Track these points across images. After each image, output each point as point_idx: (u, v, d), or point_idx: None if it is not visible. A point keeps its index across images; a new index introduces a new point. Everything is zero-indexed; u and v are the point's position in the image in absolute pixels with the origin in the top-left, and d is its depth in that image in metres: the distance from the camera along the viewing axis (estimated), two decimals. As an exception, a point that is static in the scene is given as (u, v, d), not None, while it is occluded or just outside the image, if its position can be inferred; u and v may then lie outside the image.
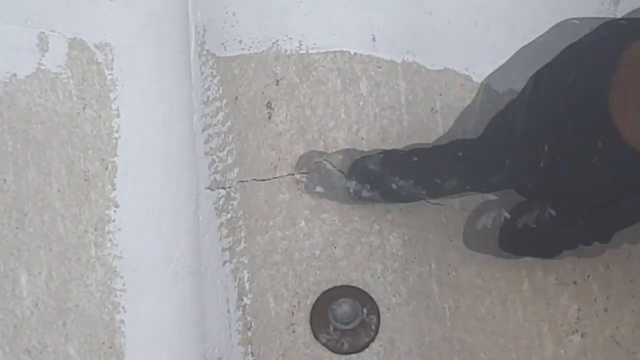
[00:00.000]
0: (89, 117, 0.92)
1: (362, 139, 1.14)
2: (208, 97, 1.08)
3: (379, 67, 1.14)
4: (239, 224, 1.13)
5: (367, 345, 1.15)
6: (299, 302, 1.15)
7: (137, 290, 0.94)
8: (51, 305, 0.91)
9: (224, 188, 1.10)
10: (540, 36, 1.05)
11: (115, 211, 0.93)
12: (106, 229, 0.92)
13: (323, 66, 1.14)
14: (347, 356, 1.15)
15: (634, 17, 1.00)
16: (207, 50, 1.08)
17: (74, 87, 0.92)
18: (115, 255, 0.92)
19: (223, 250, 1.10)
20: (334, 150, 1.14)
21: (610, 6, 1.09)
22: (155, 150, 0.96)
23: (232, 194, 1.12)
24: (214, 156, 1.09)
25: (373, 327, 1.15)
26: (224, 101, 1.11)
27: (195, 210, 1.02)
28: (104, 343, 0.92)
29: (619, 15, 1.09)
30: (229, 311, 1.11)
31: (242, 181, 1.13)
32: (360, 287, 1.15)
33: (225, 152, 1.11)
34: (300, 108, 1.14)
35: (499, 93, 1.06)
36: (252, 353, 1.14)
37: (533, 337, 1.13)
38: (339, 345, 1.15)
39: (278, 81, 1.14)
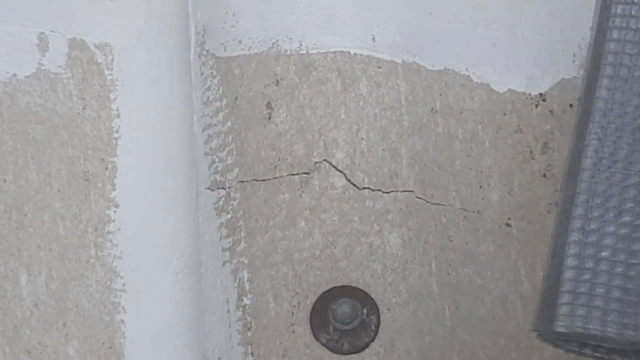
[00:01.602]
0: (89, 117, 0.92)
1: (362, 139, 1.14)
2: (208, 98, 1.08)
3: (379, 67, 1.14)
4: (239, 224, 1.13)
5: (367, 346, 1.15)
6: (299, 303, 1.15)
7: (137, 291, 0.94)
8: (51, 305, 0.91)
9: (224, 188, 1.10)
10: None
11: (115, 211, 0.92)
12: (106, 229, 0.92)
13: (323, 66, 1.14)
14: (347, 356, 1.15)
15: None
16: (207, 51, 1.08)
17: (74, 87, 0.92)
18: (115, 256, 0.92)
19: (223, 250, 1.10)
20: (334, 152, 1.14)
21: (610, 6, 1.09)
22: (155, 150, 0.96)
23: (232, 194, 1.12)
24: (214, 156, 1.09)
25: (373, 327, 1.15)
26: (224, 101, 1.11)
27: (195, 211, 1.02)
28: (103, 343, 0.92)
29: (619, 16, 1.09)
30: (228, 311, 1.11)
31: (242, 181, 1.13)
32: (360, 287, 1.15)
33: (225, 152, 1.11)
34: (300, 108, 1.14)
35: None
36: (252, 353, 1.14)
37: (533, 337, 1.13)
38: (339, 346, 1.15)
39: (278, 81, 1.14)
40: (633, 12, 0.86)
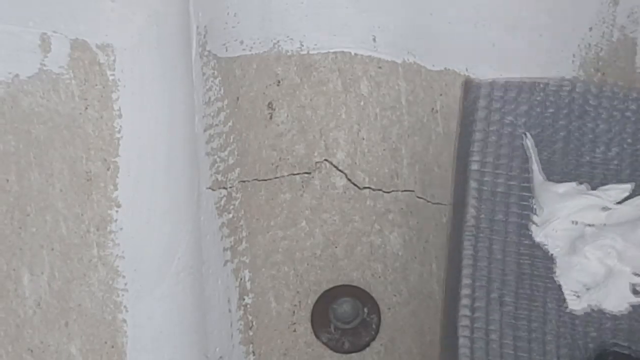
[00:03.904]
0: (91, 117, 0.92)
1: (363, 139, 1.15)
2: (209, 98, 1.08)
3: (380, 68, 1.14)
4: (240, 223, 1.14)
5: (368, 345, 1.15)
6: (300, 302, 1.16)
7: (139, 290, 0.94)
8: (53, 304, 0.91)
9: (225, 188, 1.11)
10: None
11: (117, 211, 0.93)
12: (108, 228, 0.92)
13: (324, 67, 1.14)
14: (348, 355, 1.16)
15: None
16: (209, 51, 1.08)
17: (76, 87, 0.92)
18: (117, 255, 0.93)
19: (224, 250, 1.11)
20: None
21: (610, 7, 1.09)
22: (157, 150, 0.97)
23: (234, 194, 1.12)
24: (216, 156, 1.09)
25: (374, 326, 1.15)
26: (226, 102, 1.11)
27: (197, 210, 1.02)
28: (106, 342, 0.92)
29: (619, 16, 1.10)
30: (230, 310, 1.11)
31: (244, 181, 1.14)
32: (361, 286, 1.15)
33: (226, 152, 1.11)
34: (301, 108, 1.15)
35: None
36: (253, 352, 1.14)
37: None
38: (339, 344, 1.15)
39: (279, 82, 1.14)
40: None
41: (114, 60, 0.94)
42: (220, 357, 1.07)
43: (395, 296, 1.14)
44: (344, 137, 1.14)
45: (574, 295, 0.86)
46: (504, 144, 0.94)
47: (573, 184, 0.90)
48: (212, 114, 1.08)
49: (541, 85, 0.95)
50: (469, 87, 0.98)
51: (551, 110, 0.94)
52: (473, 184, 0.93)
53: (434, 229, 1.13)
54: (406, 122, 1.14)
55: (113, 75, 0.94)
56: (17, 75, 0.92)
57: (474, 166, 0.93)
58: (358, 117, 1.14)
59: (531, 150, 0.92)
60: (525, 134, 0.93)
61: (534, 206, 0.90)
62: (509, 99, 0.95)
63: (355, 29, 1.12)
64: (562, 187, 0.89)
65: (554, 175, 0.92)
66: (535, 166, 0.91)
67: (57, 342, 0.92)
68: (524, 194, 0.92)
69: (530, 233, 0.89)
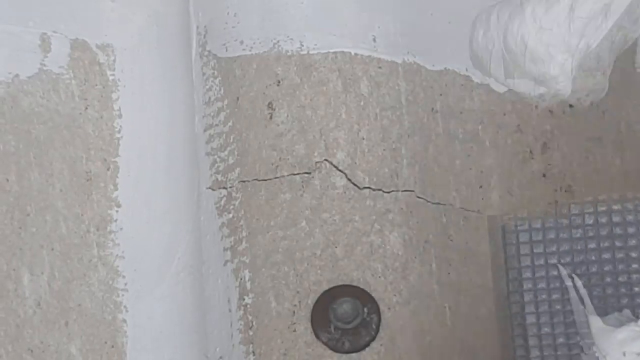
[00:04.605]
0: (91, 117, 0.93)
1: (363, 138, 1.15)
2: (209, 98, 1.08)
3: (380, 68, 1.14)
4: (240, 223, 1.14)
5: (367, 344, 1.15)
6: (300, 302, 1.16)
7: (139, 290, 0.94)
8: (53, 304, 0.91)
9: (225, 188, 1.11)
10: None
11: (117, 211, 0.93)
12: (108, 228, 0.92)
13: (324, 67, 1.14)
14: (348, 355, 1.16)
15: None
16: (209, 51, 1.08)
17: (76, 87, 0.92)
18: (117, 255, 0.93)
19: (224, 249, 1.11)
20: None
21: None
22: (157, 150, 0.97)
23: (234, 194, 1.12)
24: (216, 156, 1.09)
25: (374, 326, 1.15)
26: (226, 102, 1.11)
27: (197, 210, 1.02)
28: (106, 342, 0.92)
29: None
30: (230, 310, 1.11)
31: (244, 181, 1.14)
32: (361, 286, 1.15)
33: (226, 152, 1.11)
34: (301, 108, 1.15)
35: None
36: (253, 352, 1.14)
37: (533, 337, 1.14)
38: (339, 344, 1.15)
39: (279, 82, 1.14)
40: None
41: (114, 60, 0.94)
42: (220, 357, 1.07)
43: (395, 296, 1.14)
44: (344, 137, 1.14)
45: None
46: (554, 288, 0.95)
47: (632, 326, 0.89)
48: (212, 114, 1.08)
49: (575, 220, 0.96)
50: (507, 232, 0.99)
51: (582, 241, 0.96)
52: (533, 342, 0.92)
53: (434, 228, 1.14)
54: (406, 122, 1.14)
55: (113, 75, 0.94)
56: (17, 75, 0.92)
57: (531, 319, 0.93)
58: (358, 117, 1.14)
59: (582, 293, 0.92)
60: (572, 276, 0.93)
61: (596, 354, 0.90)
62: (548, 241, 0.96)
63: (355, 29, 1.12)
64: (622, 333, 0.88)
65: (599, 308, 0.93)
66: (590, 310, 0.91)
67: (57, 342, 0.92)
68: (583, 341, 0.93)
69: None
